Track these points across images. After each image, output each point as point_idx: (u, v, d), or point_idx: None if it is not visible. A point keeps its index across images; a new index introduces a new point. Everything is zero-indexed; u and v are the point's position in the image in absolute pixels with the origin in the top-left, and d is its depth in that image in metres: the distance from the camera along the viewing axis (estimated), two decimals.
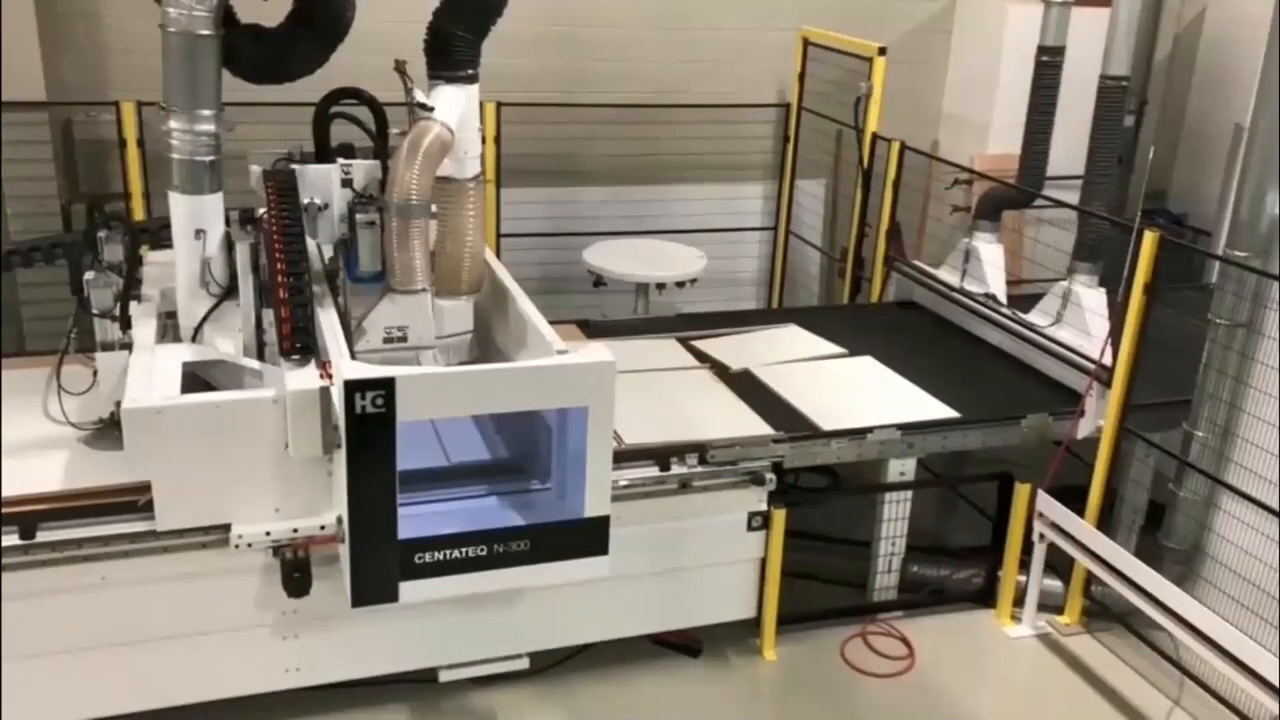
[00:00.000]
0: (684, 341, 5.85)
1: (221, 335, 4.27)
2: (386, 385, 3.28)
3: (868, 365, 5.69)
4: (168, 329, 4.43)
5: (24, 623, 3.85)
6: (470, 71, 4.32)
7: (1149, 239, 4.62)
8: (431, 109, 4.21)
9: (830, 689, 4.79)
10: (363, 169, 4.38)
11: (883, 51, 6.56)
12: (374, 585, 3.53)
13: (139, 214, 6.20)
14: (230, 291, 4.28)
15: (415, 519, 3.54)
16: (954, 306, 6.32)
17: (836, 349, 5.84)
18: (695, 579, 4.68)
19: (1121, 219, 5.52)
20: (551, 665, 4.70)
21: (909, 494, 5.15)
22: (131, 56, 6.31)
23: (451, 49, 4.26)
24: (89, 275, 4.21)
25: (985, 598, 5.34)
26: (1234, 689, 4.32)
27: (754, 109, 7.58)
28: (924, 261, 6.78)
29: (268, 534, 3.88)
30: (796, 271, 7.94)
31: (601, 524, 3.70)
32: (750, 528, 4.71)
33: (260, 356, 4.20)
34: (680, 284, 6.68)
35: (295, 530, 3.89)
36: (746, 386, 5.32)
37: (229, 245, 4.25)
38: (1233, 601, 4.60)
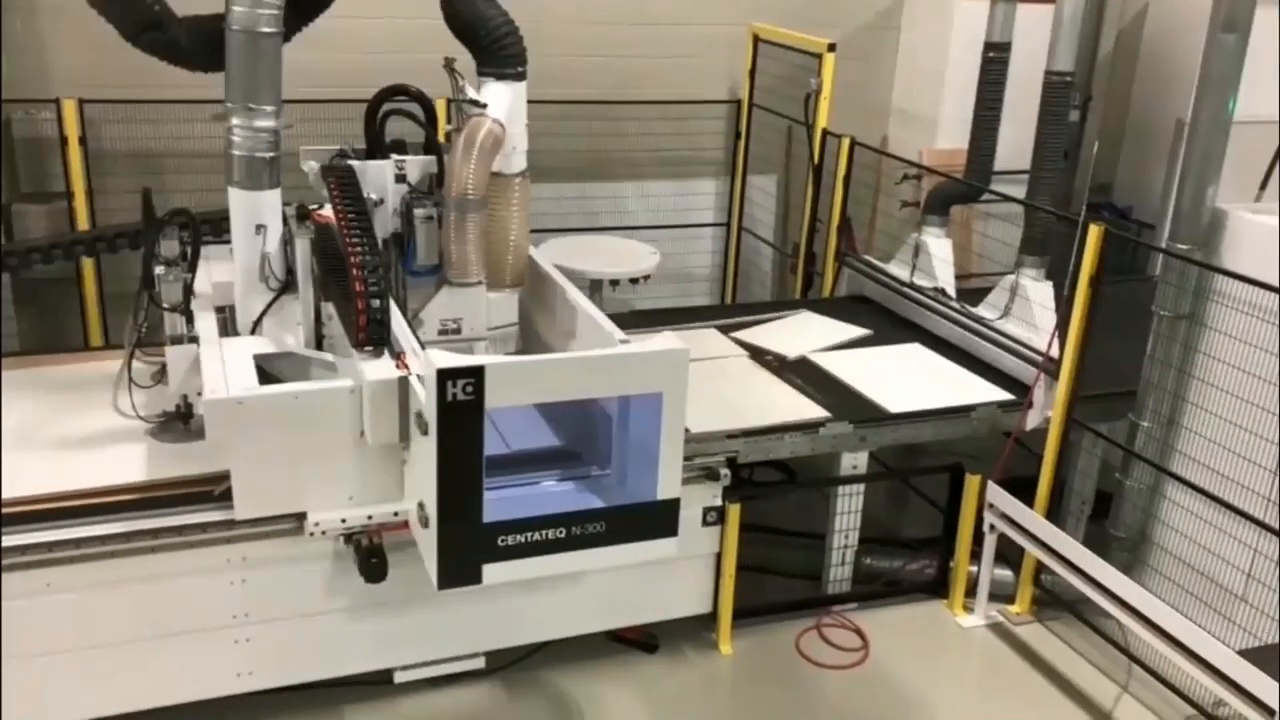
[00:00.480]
0: (724, 331, 5.97)
1: (280, 329, 4.31)
2: (476, 374, 3.32)
3: (917, 351, 5.86)
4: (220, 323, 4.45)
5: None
6: (520, 69, 4.40)
7: (1094, 232, 4.68)
8: (484, 106, 4.27)
9: (786, 681, 4.82)
10: (416, 164, 4.45)
11: (832, 48, 6.59)
12: (459, 567, 3.54)
13: (82, 215, 6.10)
14: (286, 286, 4.31)
15: (495, 503, 3.56)
16: (904, 300, 6.37)
17: (863, 331, 6.05)
18: (650, 575, 4.66)
19: (1067, 213, 5.59)
20: (508, 664, 4.68)
21: (862, 487, 5.19)
22: (73, 54, 6.18)
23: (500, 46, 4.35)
24: (159, 269, 4.20)
25: (938, 588, 5.40)
26: (1180, 674, 4.40)
27: (705, 105, 7.59)
28: (875, 256, 6.82)
29: (343, 521, 3.92)
30: (749, 267, 7.96)
31: (672, 506, 3.76)
32: (705, 523, 4.72)
33: (319, 349, 4.24)
34: (634, 280, 6.67)
35: (370, 517, 3.94)
36: (805, 373, 5.47)
37: (286, 240, 4.27)
38: (1179, 588, 4.69)
